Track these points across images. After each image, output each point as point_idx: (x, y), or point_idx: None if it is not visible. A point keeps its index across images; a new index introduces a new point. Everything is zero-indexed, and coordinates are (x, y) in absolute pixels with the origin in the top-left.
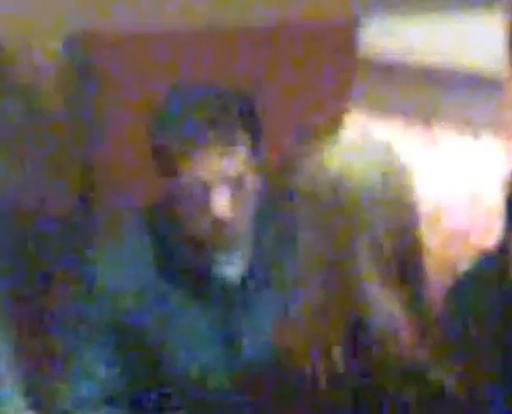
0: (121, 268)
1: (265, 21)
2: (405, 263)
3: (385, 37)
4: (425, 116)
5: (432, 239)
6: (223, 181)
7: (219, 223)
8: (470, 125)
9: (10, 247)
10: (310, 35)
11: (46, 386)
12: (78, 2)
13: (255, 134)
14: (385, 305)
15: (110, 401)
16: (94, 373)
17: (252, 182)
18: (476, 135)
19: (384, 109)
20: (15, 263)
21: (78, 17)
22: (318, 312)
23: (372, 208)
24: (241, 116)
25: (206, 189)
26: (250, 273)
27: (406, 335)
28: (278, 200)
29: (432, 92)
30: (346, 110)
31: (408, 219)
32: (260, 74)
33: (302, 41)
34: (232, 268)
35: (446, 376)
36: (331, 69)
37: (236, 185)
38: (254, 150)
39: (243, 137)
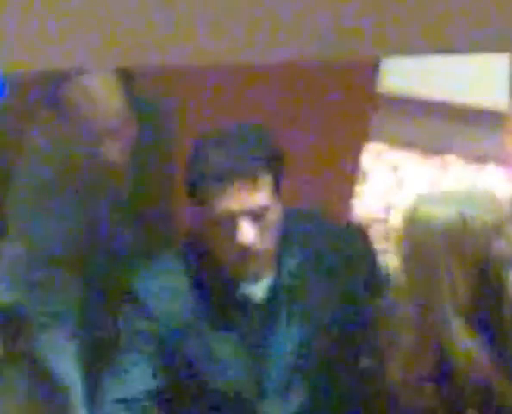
0: (165, 291)
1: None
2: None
3: (405, 75)
4: (438, 147)
5: None
6: (249, 212)
7: (244, 248)
8: (476, 155)
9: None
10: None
11: None
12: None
13: (278, 170)
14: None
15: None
16: (144, 381)
17: (275, 213)
18: (481, 165)
19: (402, 141)
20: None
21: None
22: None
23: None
24: (265, 155)
25: (233, 219)
26: (274, 295)
27: (484, 368)
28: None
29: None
30: (366, 143)
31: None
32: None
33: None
34: (256, 292)
35: None
36: (351, 106)
37: (260, 216)
38: (277, 185)
39: (267, 173)
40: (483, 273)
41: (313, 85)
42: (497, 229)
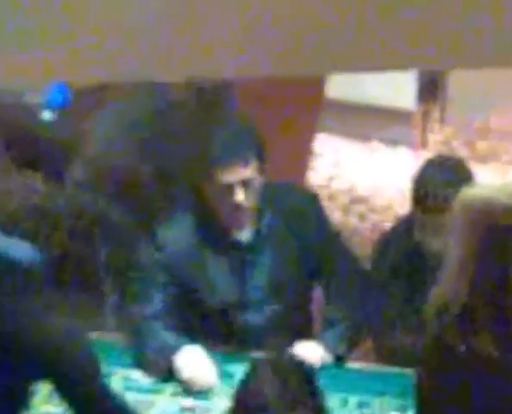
0: (177, 234)
1: None
2: None
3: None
4: (367, 136)
5: None
6: (241, 182)
7: (238, 207)
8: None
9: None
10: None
11: None
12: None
13: (260, 154)
14: None
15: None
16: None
17: (257, 183)
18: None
19: (341, 132)
20: None
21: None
22: None
23: None
24: (253, 145)
25: (231, 186)
26: (257, 241)
27: None
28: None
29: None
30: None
31: None
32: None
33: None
34: (244, 237)
35: None
36: (307, 107)
37: (248, 184)
38: (260, 164)
39: (253, 156)
40: None
41: (273, 92)
42: None
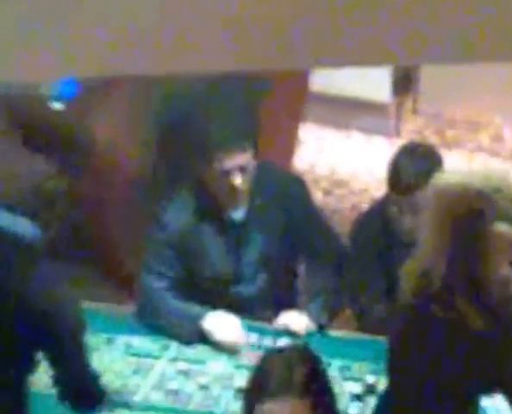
0: (179, 214)
1: None
2: None
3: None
4: (345, 125)
5: None
6: (238, 167)
7: (235, 189)
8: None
9: None
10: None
11: None
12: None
13: (255, 143)
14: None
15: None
16: (165, 275)
17: (252, 168)
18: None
19: (324, 121)
20: None
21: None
22: None
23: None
24: (250, 134)
25: (229, 171)
26: (249, 220)
27: None
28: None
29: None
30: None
31: None
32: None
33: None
34: (238, 216)
35: None
36: (293, 99)
37: (245, 169)
38: (254, 151)
39: (249, 145)
40: None
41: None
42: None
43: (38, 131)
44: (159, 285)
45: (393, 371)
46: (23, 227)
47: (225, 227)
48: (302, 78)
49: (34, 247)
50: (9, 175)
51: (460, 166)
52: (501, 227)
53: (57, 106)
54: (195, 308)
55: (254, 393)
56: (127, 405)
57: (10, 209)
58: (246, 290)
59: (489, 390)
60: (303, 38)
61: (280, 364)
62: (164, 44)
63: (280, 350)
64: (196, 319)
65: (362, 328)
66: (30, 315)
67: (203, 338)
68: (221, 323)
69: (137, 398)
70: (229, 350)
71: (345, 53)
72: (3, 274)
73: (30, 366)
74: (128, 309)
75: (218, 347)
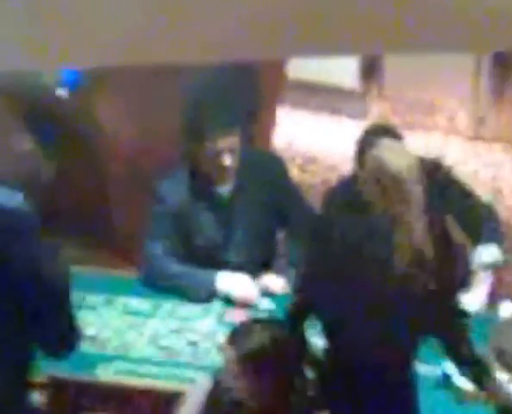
0: (175, 189)
1: None
2: None
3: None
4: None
5: None
6: (229, 148)
7: (225, 168)
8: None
9: None
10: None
11: None
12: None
13: (243, 127)
14: None
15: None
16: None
17: (239, 149)
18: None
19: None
20: None
21: None
22: None
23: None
24: (240, 120)
25: (221, 151)
26: (236, 194)
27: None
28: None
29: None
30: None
31: None
32: None
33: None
34: (226, 191)
35: None
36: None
37: (234, 150)
38: (243, 134)
39: (239, 129)
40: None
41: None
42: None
43: (41, 116)
44: (163, 252)
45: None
46: (12, 197)
47: (215, 201)
48: (280, 65)
49: (25, 215)
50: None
51: (419, 144)
52: None
53: (62, 93)
54: (202, 271)
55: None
56: (124, 358)
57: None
58: (234, 256)
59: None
60: (284, 29)
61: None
62: (157, 36)
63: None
64: (209, 279)
65: None
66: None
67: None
68: (236, 282)
69: (133, 353)
70: (246, 304)
71: (321, 43)
72: None
73: None
74: (125, 272)
75: (234, 303)
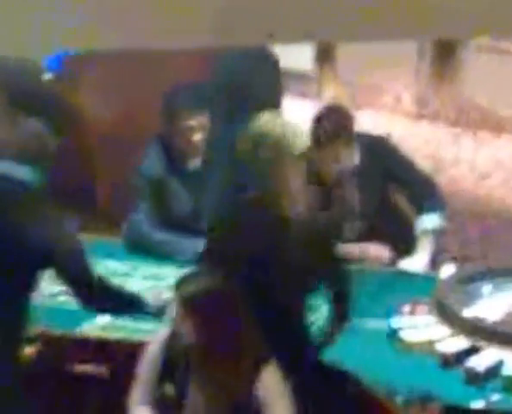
0: (152, 163)
1: None
2: None
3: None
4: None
5: None
6: (199, 126)
7: (194, 144)
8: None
9: None
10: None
11: None
12: None
13: (211, 106)
14: None
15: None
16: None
17: (208, 129)
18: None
19: None
20: None
21: None
22: None
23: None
24: (211, 100)
25: (192, 128)
26: (203, 168)
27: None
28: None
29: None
30: None
31: None
32: None
33: None
34: (196, 165)
35: None
36: None
37: (204, 127)
38: (211, 114)
39: (208, 109)
40: None
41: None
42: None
43: (27, 98)
44: (146, 220)
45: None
46: (23, 172)
47: (187, 172)
48: None
49: (35, 191)
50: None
51: (368, 122)
52: None
53: (46, 76)
54: (185, 239)
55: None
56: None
57: (9, 156)
58: (203, 224)
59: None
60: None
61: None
62: (139, 20)
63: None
64: (193, 246)
65: None
66: (36, 246)
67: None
68: None
69: None
70: None
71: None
72: (10, 215)
73: (33, 284)
74: (107, 237)
75: None
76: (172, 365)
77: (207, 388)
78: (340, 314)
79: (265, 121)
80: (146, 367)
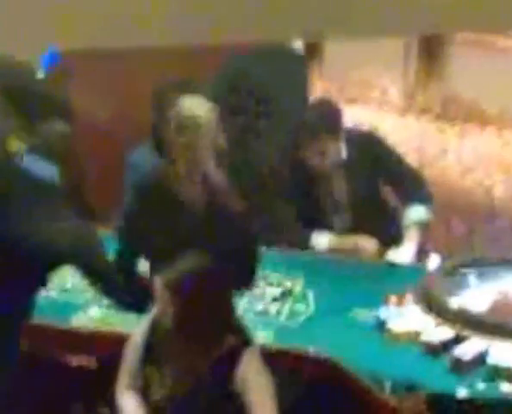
0: (139, 159)
1: None
2: None
3: None
4: None
5: None
6: None
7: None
8: None
9: None
10: None
11: None
12: None
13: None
14: None
15: None
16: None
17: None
18: None
19: None
20: None
21: None
22: None
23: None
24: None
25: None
26: None
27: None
28: None
29: None
30: None
31: None
32: None
33: None
34: None
35: None
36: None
37: None
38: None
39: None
40: None
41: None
42: None
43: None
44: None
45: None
46: (43, 168)
47: None
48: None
49: (52, 187)
50: None
51: (356, 116)
52: None
53: (39, 75)
54: None
55: None
56: (98, 306)
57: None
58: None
59: None
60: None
61: None
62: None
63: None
64: None
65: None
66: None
67: None
68: None
69: (104, 301)
70: None
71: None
72: (28, 212)
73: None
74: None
75: None
76: (155, 349)
77: (183, 367)
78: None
79: (186, 104)
80: (130, 354)
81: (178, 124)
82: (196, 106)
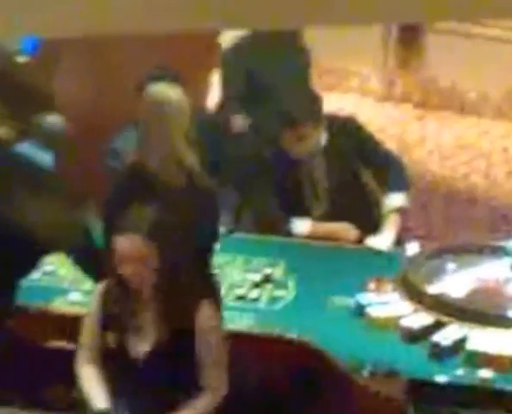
0: (124, 141)
1: None
2: None
3: None
4: None
5: None
6: None
7: None
8: None
9: None
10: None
11: None
12: None
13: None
14: None
15: None
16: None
17: None
18: None
19: None
20: None
21: None
22: None
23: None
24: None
25: None
26: None
27: None
28: None
29: None
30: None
31: None
32: None
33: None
34: None
35: None
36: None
37: None
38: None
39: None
40: None
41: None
42: None
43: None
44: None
45: None
46: (39, 155)
47: None
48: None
49: (48, 173)
50: None
51: (336, 104)
52: None
53: (20, 59)
54: None
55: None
56: (77, 290)
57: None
58: None
59: None
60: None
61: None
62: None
63: None
64: None
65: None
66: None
67: None
68: None
69: (86, 286)
70: None
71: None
72: (25, 196)
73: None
74: None
75: None
76: (111, 314)
77: (154, 319)
78: None
79: (157, 90)
80: (86, 328)
81: (150, 109)
82: (166, 92)
